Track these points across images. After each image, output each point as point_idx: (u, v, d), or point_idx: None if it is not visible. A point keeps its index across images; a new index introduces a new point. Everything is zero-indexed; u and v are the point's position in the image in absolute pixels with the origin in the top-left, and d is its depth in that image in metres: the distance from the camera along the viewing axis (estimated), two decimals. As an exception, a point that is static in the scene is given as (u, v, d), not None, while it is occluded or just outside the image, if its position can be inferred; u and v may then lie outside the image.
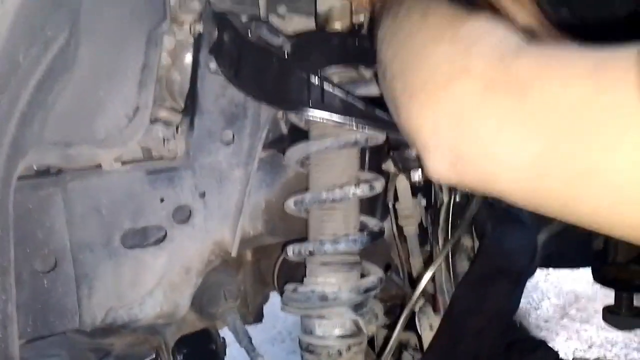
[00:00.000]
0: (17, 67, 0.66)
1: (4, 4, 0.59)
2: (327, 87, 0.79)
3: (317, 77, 0.79)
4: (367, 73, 0.95)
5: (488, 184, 0.47)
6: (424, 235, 1.20)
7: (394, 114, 0.60)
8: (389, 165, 1.03)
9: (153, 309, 0.95)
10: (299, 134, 1.05)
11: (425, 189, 1.17)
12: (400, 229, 1.15)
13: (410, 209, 1.13)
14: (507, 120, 0.44)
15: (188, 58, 1.08)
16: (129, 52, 0.84)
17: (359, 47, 0.90)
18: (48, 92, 0.79)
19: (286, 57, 0.81)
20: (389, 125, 0.84)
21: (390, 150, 0.94)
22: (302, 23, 1.07)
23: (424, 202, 1.18)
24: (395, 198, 1.14)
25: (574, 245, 1.35)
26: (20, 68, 0.67)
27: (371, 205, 1.08)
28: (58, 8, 0.69)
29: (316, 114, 0.80)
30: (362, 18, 0.99)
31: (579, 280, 3.39)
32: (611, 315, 1.60)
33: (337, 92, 0.80)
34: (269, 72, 0.81)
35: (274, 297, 1.28)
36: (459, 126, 0.47)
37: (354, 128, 0.81)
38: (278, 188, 1.05)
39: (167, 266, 0.95)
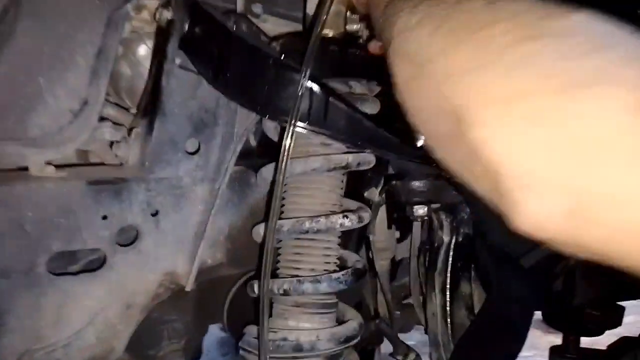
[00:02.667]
0: None
1: None
2: (332, 100, 0.66)
3: (320, 87, 0.66)
4: (360, 88, 0.83)
5: (628, 253, 0.33)
6: (394, 270, 1.10)
7: (443, 129, 0.42)
8: (372, 194, 0.91)
9: (81, 353, 0.76)
10: (269, 149, 0.92)
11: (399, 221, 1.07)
12: (370, 262, 1.04)
13: (385, 241, 1.02)
14: None
15: (142, 50, 0.91)
16: (83, 33, 0.67)
17: (360, 58, 0.78)
18: (-30, 69, 0.60)
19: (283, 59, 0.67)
20: (399, 149, 0.73)
21: (394, 180, 0.82)
22: (278, 27, 0.94)
23: (397, 234, 1.07)
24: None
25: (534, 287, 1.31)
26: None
27: (345, 237, 0.95)
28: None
29: (315, 130, 0.66)
30: (356, 26, 0.87)
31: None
32: (556, 357, 1.58)
33: (343, 107, 0.67)
34: (262, 75, 0.66)
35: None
36: (594, 159, 0.32)
37: (364, 150, 0.68)
38: (245, 211, 0.90)
39: (103, 300, 0.77)
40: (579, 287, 1.38)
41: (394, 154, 0.71)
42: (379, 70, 0.80)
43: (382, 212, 1.01)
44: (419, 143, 0.71)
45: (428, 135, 0.48)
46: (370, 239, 0.99)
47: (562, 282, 1.40)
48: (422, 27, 0.44)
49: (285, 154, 0.63)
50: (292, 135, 0.63)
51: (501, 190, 0.37)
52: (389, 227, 1.04)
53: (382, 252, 1.02)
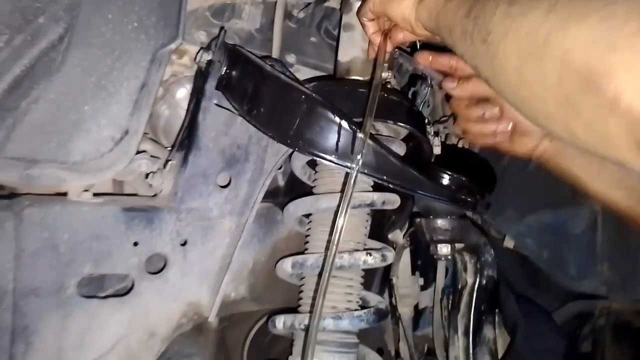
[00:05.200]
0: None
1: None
2: (359, 136, 0.69)
3: (349, 123, 0.69)
4: (387, 130, 0.86)
5: None
6: (416, 318, 1.08)
7: (567, 90, 0.43)
8: (396, 236, 0.92)
9: (100, 380, 0.77)
10: (296, 187, 0.94)
11: (424, 267, 1.07)
12: (393, 307, 1.03)
13: (409, 287, 1.01)
14: None
15: (181, 93, 0.97)
16: (129, 66, 0.72)
17: (388, 101, 0.81)
18: (23, 95, 0.65)
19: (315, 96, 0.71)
20: (425, 186, 0.74)
21: (418, 218, 0.83)
22: (309, 76, 0.99)
23: (421, 281, 1.06)
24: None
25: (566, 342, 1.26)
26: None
27: (368, 279, 0.95)
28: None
29: (342, 164, 0.68)
30: (385, 74, 0.91)
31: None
32: None
33: (371, 144, 0.69)
34: (293, 109, 0.70)
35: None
36: None
37: (389, 185, 0.69)
38: (268, 247, 0.92)
39: (127, 326, 0.78)
40: (608, 352, 1.33)
41: (420, 191, 0.72)
42: (408, 115, 0.83)
43: (407, 256, 1.01)
44: (445, 181, 0.72)
45: (543, 105, 0.48)
46: (394, 281, 0.98)
47: (591, 344, 1.35)
48: (532, 11, 0.47)
49: (350, 191, 0.65)
50: (355, 177, 0.65)
51: None
52: (413, 273, 1.03)
53: (405, 299, 1.01)
